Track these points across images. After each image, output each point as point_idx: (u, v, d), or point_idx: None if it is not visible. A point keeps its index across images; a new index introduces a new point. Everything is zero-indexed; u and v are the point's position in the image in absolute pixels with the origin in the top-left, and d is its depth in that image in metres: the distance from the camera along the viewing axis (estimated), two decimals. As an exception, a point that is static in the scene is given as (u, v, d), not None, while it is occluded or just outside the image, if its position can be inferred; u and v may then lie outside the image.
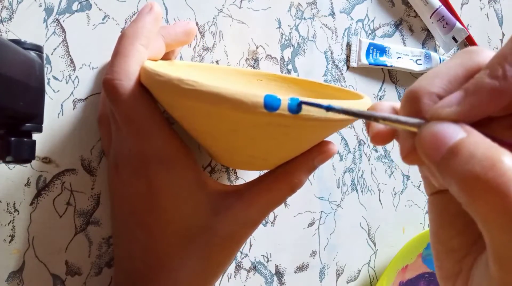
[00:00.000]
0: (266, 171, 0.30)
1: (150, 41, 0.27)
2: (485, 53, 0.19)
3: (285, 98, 0.21)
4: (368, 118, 0.19)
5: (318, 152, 0.29)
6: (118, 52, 0.26)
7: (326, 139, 0.29)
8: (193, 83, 0.21)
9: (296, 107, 0.21)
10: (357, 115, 0.19)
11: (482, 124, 0.20)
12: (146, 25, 0.27)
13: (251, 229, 0.29)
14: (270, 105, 0.21)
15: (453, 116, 0.18)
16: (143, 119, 0.26)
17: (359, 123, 0.42)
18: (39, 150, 0.29)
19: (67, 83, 0.30)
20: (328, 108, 0.20)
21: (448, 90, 0.19)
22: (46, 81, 0.29)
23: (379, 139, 0.21)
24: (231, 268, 0.36)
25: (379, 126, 0.22)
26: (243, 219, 0.28)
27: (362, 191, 0.43)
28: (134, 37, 0.26)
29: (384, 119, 0.18)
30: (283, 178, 0.29)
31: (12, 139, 0.24)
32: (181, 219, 0.27)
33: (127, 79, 0.25)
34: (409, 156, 0.20)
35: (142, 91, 0.26)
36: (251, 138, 0.24)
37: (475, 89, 0.17)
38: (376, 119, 0.18)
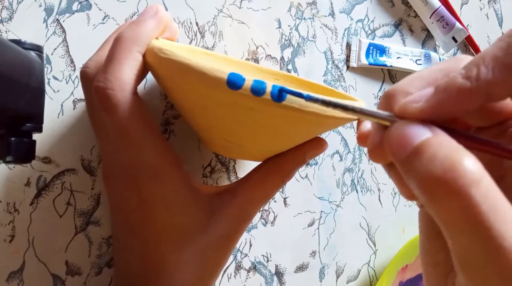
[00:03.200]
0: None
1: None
2: (465, 61, 0.19)
3: (250, 78, 0.21)
4: (345, 108, 0.19)
5: (309, 147, 0.29)
6: (113, 57, 0.24)
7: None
8: (169, 52, 0.22)
9: (259, 90, 0.21)
10: (334, 105, 0.19)
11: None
12: (147, 31, 0.25)
13: (245, 224, 0.29)
14: (233, 83, 0.21)
15: (419, 112, 0.17)
16: (135, 132, 0.25)
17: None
18: (39, 150, 0.29)
19: (67, 83, 0.30)
20: (308, 98, 0.19)
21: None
22: (46, 81, 0.29)
23: (363, 140, 0.22)
24: (231, 268, 0.36)
25: (364, 128, 0.22)
26: (237, 216, 0.28)
27: (362, 191, 0.43)
28: (132, 42, 0.24)
29: (361, 111, 0.18)
30: (273, 171, 0.29)
31: (12, 139, 0.24)
32: (176, 228, 0.27)
33: (121, 89, 0.24)
34: (374, 151, 0.20)
35: (136, 102, 0.24)
36: (220, 118, 0.24)
37: (445, 87, 0.17)
38: (354, 110, 0.19)
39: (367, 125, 0.23)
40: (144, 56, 0.25)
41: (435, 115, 0.17)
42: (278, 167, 0.29)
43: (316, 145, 0.29)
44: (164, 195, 0.26)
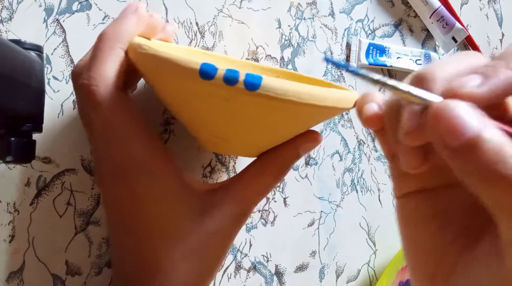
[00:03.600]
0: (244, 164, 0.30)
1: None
2: (481, 56, 0.19)
3: (222, 68, 0.21)
4: (394, 88, 0.18)
5: (302, 140, 0.28)
6: (96, 55, 0.25)
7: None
8: (146, 47, 0.23)
9: (232, 79, 0.21)
10: (382, 83, 0.18)
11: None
12: (129, 28, 0.25)
13: (241, 222, 0.29)
14: (206, 73, 0.21)
15: (474, 96, 0.17)
16: (122, 126, 0.25)
17: (359, 123, 0.42)
18: (39, 150, 0.29)
19: (67, 83, 0.30)
20: (351, 70, 0.19)
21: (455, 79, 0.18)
22: (46, 81, 0.29)
23: (373, 121, 0.21)
24: (231, 268, 0.36)
25: (371, 110, 0.21)
26: (231, 213, 0.28)
27: (362, 191, 0.43)
28: (114, 39, 0.25)
29: (408, 92, 0.18)
30: (267, 167, 0.29)
31: (12, 139, 0.24)
32: (168, 223, 0.27)
33: (105, 85, 0.24)
34: (413, 133, 0.18)
35: (121, 97, 0.25)
36: (201, 111, 0.25)
37: (493, 74, 0.17)
38: (402, 90, 0.18)
39: (373, 106, 0.22)
40: (126, 53, 0.25)
41: (488, 100, 0.17)
42: (272, 163, 0.29)
43: (309, 138, 0.29)
44: (154, 189, 0.26)
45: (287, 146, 0.28)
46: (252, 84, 0.21)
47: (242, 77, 0.21)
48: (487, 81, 0.17)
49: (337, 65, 0.20)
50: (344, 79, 0.41)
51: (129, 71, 0.26)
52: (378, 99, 0.22)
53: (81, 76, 0.25)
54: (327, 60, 0.20)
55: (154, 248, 0.27)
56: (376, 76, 0.18)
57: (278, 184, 0.29)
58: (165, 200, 0.26)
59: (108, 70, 0.24)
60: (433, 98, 0.18)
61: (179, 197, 0.27)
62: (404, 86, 0.18)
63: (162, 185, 0.26)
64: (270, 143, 0.28)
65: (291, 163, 0.29)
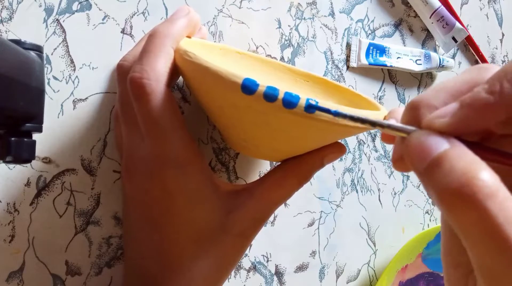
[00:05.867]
0: (265, 169, 0.30)
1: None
2: (495, 70, 0.19)
3: (263, 84, 0.22)
4: (373, 124, 0.19)
5: (328, 151, 0.29)
6: (149, 50, 0.25)
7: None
8: (192, 55, 0.25)
9: (272, 96, 0.22)
10: (361, 121, 0.20)
11: (491, 142, 0.20)
12: (180, 29, 0.27)
13: (261, 224, 0.30)
14: (247, 88, 0.22)
15: (445, 127, 0.18)
16: (166, 122, 0.25)
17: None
18: (39, 150, 0.29)
19: (67, 83, 0.30)
20: (336, 113, 0.20)
21: (449, 103, 0.19)
22: (46, 81, 0.29)
23: (388, 138, 0.23)
24: (231, 268, 0.36)
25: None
26: (254, 215, 0.29)
27: (362, 191, 0.43)
28: (166, 37, 0.26)
29: (388, 126, 0.19)
30: (291, 173, 0.29)
31: (12, 139, 0.24)
32: (195, 221, 0.27)
33: (156, 80, 0.25)
34: (397, 162, 0.20)
35: (169, 94, 0.25)
36: (236, 119, 0.26)
37: (469, 103, 0.18)
38: (381, 125, 0.19)
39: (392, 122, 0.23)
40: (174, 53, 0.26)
41: (461, 129, 0.18)
42: (296, 169, 0.29)
43: (335, 149, 0.30)
44: (187, 187, 0.27)
45: (313, 155, 0.29)
46: (290, 103, 0.22)
47: (281, 95, 0.22)
48: (458, 111, 0.18)
49: (321, 110, 0.21)
50: (344, 79, 0.41)
51: (173, 70, 0.27)
52: (398, 116, 0.23)
53: (131, 69, 0.25)
54: (310, 106, 0.22)
55: (178, 244, 0.27)
56: (357, 115, 0.20)
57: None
58: (196, 198, 0.27)
59: (160, 66, 0.25)
60: (411, 130, 0.19)
61: (208, 197, 0.28)
62: (385, 121, 0.19)
63: (194, 183, 0.27)
64: (297, 151, 0.29)
65: (315, 171, 0.30)
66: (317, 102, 0.21)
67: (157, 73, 0.25)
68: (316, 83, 0.35)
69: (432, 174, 0.16)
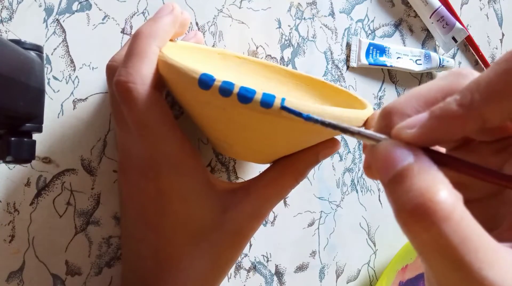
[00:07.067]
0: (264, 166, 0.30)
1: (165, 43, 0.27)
2: (473, 77, 0.18)
3: (219, 79, 0.22)
4: (343, 130, 0.19)
5: (322, 147, 0.29)
6: (133, 52, 0.25)
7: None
8: (161, 54, 0.25)
9: (226, 91, 0.22)
10: (333, 126, 0.19)
11: (471, 148, 0.20)
12: (164, 27, 0.26)
13: (259, 223, 0.30)
14: (204, 82, 0.22)
15: (412, 138, 0.17)
16: (156, 124, 0.25)
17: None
18: (39, 150, 0.29)
19: (67, 83, 0.30)
20: (307, 118, 0.19)
21: (422, 112, 0.18)
22: (46, 81, 0.29)
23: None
24: (231, 268, 0.36)
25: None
26: (251, 213, 0.29)
27: (362, 191, 0.43)
28: (151, 37, 0.25)
29: (358, 133, 0.18)
30: (287, 169, 0.29)
31: (12, 139, 0.24)
32: (191, 220, 0.27)
33: (142, 83, 0.25)
34: (366, 169, 0.20)
35: (156, 95, 0.25)
36: (204, 117, 0.26)
37: (438, 115, 0.17)
38: (352, 132, 0.19)
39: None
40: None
41: (429, 140, 0.17)
42: (291, 166, 0.29)
43: (329, 144, 0.30)
44: (182, 186, 0.27)
45: (307, 151, 0.29)
46: (245, 97, 0.22)
47: (236, 90, 0.22)
48: (427, 122, 0.17)
49: (293, 113, 0.21)
50: (344, 79, 0.41)
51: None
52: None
53: (116, 72, 0.25)
54: (284, 108, 0.22)
55: (175, 243, 0.27)
56: (328, 120, 0.19)
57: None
58: (191, 197, 0.27)
59: (145, 68, 0.25)
60: (381, 138, 0.18)
61: (204, 196, 0.28)
62: (355, 128, 0.19)
63: (189, 182, 0.27)
64: (282, 152, 0.29)
65: (311, 167, 0.30)
66: (308, 114, 0.19)
67: (143, 76, 0.25)
68: (316, 86, 0.34)
69: (393, 188, 0.16)
